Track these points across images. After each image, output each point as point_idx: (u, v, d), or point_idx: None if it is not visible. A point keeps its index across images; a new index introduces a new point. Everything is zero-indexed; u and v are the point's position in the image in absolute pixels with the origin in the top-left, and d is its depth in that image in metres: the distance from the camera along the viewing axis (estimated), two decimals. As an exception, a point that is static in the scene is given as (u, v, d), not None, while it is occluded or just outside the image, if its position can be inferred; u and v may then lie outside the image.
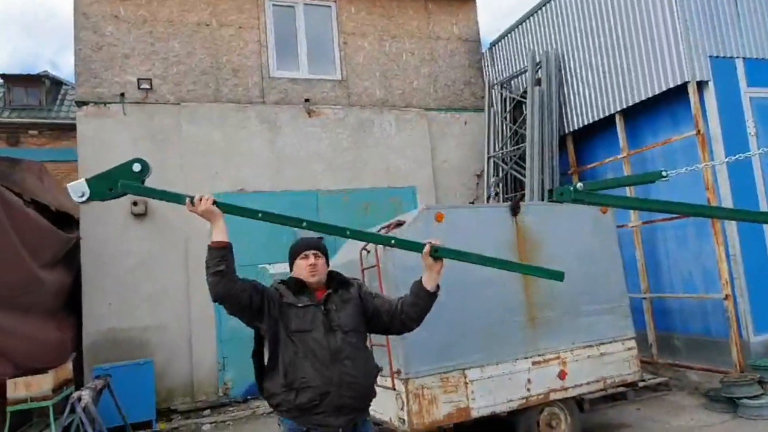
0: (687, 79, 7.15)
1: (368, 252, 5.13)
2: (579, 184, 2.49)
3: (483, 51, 11.36)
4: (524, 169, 9.39)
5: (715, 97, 7.22)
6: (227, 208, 2.65)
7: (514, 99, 10.38)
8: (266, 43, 9.57)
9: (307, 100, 9.55)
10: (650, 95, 7.70)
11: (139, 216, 8.38)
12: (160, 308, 8.29)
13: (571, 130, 9.28)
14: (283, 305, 2.76)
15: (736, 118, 7.29)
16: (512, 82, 10.67)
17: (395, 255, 4.65)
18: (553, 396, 5.20)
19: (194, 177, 8.63)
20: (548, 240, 5.43)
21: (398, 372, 4.72)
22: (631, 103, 8.03)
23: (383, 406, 4.86)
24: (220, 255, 2.59)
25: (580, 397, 5.43)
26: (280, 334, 2.72)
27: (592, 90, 8.77)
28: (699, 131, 7.12)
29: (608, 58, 8.41)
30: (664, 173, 2.33)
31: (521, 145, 9.70)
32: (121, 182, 2.60)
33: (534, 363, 5.15)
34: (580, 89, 9.04)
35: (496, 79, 11.11)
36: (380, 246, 4.95)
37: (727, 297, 6.87)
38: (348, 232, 2.77)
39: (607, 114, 8.49)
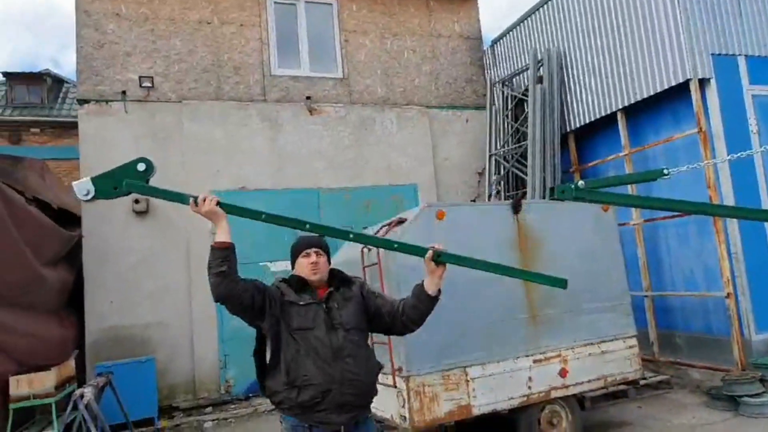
0: (689, 77, 7.14)
1: (369, 250, 5.13)
2: (580, 182, 2.49)
3: (484, 49, 11.35)
4: (525, 167, 9.39)
5: (717, 95, 7.20)
6: (231, 209, 2.65)
7: (515, 97, 10.37)
8: (267, 41, 9.56)
9: (308, 98, 9.55)
10: (652, 93, 7.69)
11: (141, 213, 8.39)
12: (161, 306, 8.31)
13: (573, 128, 9.28)
14: (284, 304, 2.76)
15: (738, 115, 7.28)
16: (514, 79, 10.66)
17: (396, 253, 4.64)
18: (554, 394, 5.20)
19: (195, 175, 8.64)
20: (550, 238, 5.43)
21: (399, 370, 4.73)
22: (633, 101, 8.02)
23: (385, 404, 4.87)
24: (223, 256, 2.59)
25: (581, 395, 5.43)
26: (281, 332, 2.73)
27: (594, 88, 8.76)
28: (701, 129, 7.11)
29: (610, 55, 8.40)
30: (665, 171, 2.33)
31: (523, 143, 9.69)
32: (126, 181, 2.61)
33: (535, 361, 5.15)
34: (582, 87, 9.02)
35: (498, 76, 11.09)
36: (381, 244, 4.96)
37: (728, 295, 6.87)
38: (351, 236, 2.77)
39: (608, 112, 8.48)
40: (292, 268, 2.95)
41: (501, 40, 11.31)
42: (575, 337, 5.36)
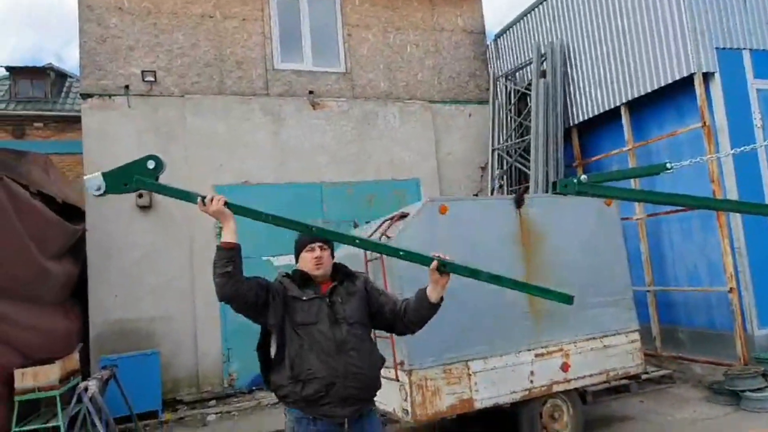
0: (693, 71, 7.10)
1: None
2: (583, 176, 2.49)
3: (488, 43, 11.31)
4: (529, 161, 9.37)
5: (721, 89, 7.16)
6: (238, 210, 2.66)
7: (518, 91, 10.34)
8: (270, 35, 9.55)
9: (311, 92, 9.54)
10: (656, 87, 7.65)
11: (144, 208, 8.42)
12: (165, 300, 8.35)
13: (576, 122, 9.25)
14: (287, 299, 2.77)
15: (742, 110, 7.24)
16: (517, 74, 10.61)
17: (399, 247, 4.64)
18: (556, 388, 5.21)
19: (198, 169, 8.65)
20: (552, 232, 5.42)
21: (402, 363, 4.74)
22: (636, 96, 7.99)
23: (387, 397, 4.88)
24: (228, 256, 2.60)
25: (583, 389, 5.44)
26: (285, 327, 2.74)
27: (598, 82, 8.73)
28: (705, 123, 7.08)
29: (614, 49, 8.36)
30: (668, 165, 2.33)
31: (526, 137, 9.67)
32: (136, 178, 2.63)
33: (537, 355, 5.15)
34: (586, 81, 8.99)
35: (501, 71, 11.05)
36: (384, 236, 4.97)
37: (731, 290, 6.86)
38: (357, 241, 2.78)
39: (612, 106, 8.45)
40: (296, 262, 2.96)
41: (504, 35, 11.25)
42: (577, 332, 5.36)
